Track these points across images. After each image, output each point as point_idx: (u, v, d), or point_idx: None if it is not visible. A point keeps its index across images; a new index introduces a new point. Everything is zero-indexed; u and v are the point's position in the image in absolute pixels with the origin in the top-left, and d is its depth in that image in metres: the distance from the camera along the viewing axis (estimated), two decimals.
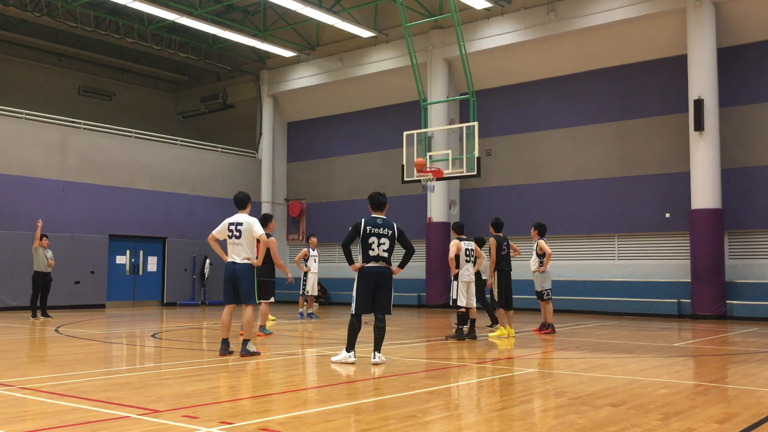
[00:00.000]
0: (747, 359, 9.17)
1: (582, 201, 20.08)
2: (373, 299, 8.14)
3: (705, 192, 17.17)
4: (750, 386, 6.94)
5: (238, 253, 8.83)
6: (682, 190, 18.05)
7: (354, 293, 8.16)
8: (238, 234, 8.84)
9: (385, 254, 8.15)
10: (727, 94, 17.74)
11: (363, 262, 8.14)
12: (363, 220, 8.19)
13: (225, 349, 8.97)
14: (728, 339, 12.20)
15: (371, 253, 8.10)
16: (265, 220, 11.84)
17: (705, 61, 17.35)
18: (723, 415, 5.41)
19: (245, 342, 8.88)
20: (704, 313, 16.99)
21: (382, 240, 8.12)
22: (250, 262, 8.85)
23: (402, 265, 8.28)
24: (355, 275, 8.19)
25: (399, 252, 8.35)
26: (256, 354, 8.89)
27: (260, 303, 11.87)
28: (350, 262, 8.18)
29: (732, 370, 8.30)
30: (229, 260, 8.91)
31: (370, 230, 8.12)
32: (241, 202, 9.09)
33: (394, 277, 8.28)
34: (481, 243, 13.50)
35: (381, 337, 8.25)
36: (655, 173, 18.99)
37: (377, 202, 8.36)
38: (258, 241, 8.91)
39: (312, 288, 16.48)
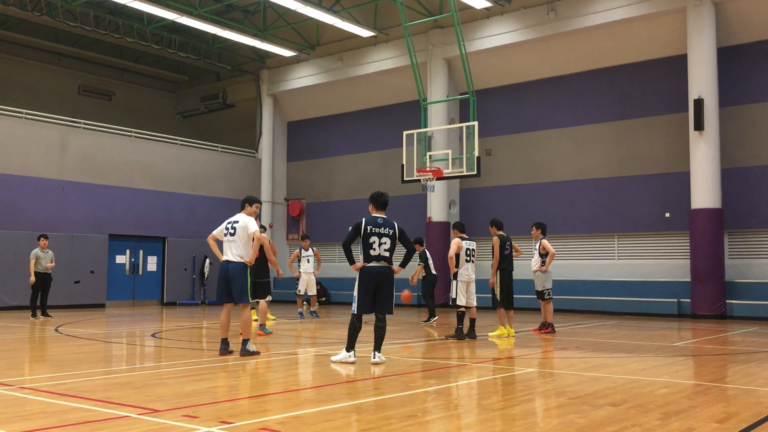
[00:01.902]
0: (747, 359, 9.17)
1: (582, 201, 20.08)
2: (375, 299, 8.13)
3: (705, 192, 17.17)
4: (750, 386, 6.94)
5: (232, 251, 8.83)
6: (682, 190, 18.05)
7: (355, 293, 8.14)
8: (233, 231, 8.86)
9: (387, 254, 8.13)
10: (727, 93, 17.73)
11: (364, 261, 8.11)
12: (364, 219, 8.17)
13: (225, 348, 8.98)
14: (728, 338, 12.20)
15: (372, 252, 8.08)
16: (247, 202, 9.42)
17: (705, 61, 17.34)
18: (723, 415, 5.41)
19: (245, 342, 8.88)
20: (704, 312, 16.99)
21: (384, 239, 8.11)
22: (243, 260, 8.84)
23: (403, 265, 8.26)
24: (356, 275, 8.18)
25: (399, 251, 8.33)
26: (255, 354, 8.89)
27: (257, 302, 11.91)
28: (351, 261, 8.18)
29: (732, 370, 8.30)
30: (223, 259, 8.93)
31: (371, 230, 8.10)
32: (242, 203, 9.20)
33: (395, 276, 8.27)
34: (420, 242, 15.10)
35: (381, 337, 8.24)
36: (655, 173, 18.99)
37: (381, 202, 8.35)
38: (251, 239, 8.91)
39: (307, 287, 16.39)
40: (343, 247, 8.22)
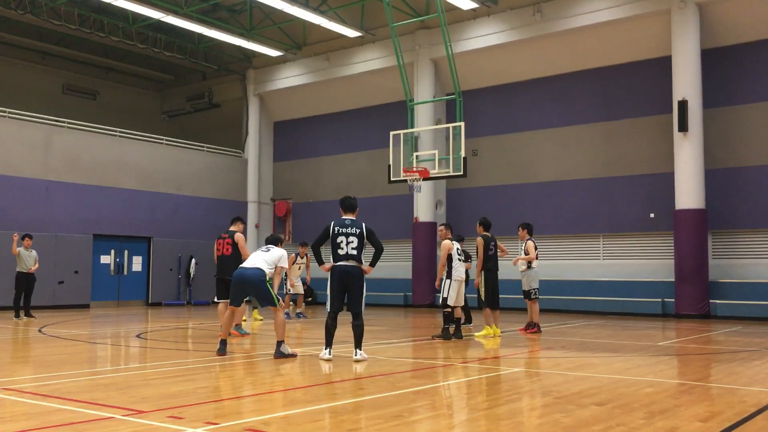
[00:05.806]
0: (730, 358, 9.25)
1: (567, 201, 20.17)
2: (346, 297, 8.45)
3: (689, 192, 17.31)
4: (733, 385, 7.00)
5: (255, 262, 8.89)
6: (667, 191, 18.17)
7: (328, 292, 8.48)
8: (267, 249, 9.11)
9: (354, 252, 8.40)
10: (711, 95, 17.88)
11: (333, 261, 8.44)
12: (333, 222, 8.53)
13: (222, 349, 9.01)
14: (711, 338, 12.30)
15: (340, 252, 8.40)
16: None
17: (689, 63, 17.48)
18: (706, 414, 5.46)
19: (279, 343, 8.86)
20: (688, 312, 17.12)
21: (351, 239, 8.42)
22: (262, 269, 8.84)
23: (372, 264, 8.60)
24: (328, 275, 8.48)
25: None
26: (291, 356, 8.81)
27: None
28: (320, 262, 8.58)
29: (715, 369, 8.37)
30: (240, 267, 9.03)
31: (339, 230, 8.45)
32: (273, 241, 9.58)
33: (367, 276, 8.54)
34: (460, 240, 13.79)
35: (360, 334, 8.49)
36: (640, 174, 19.11)
37: (347, 204, 8.75)
38: (276, 267, 8.95)
39: (292, 287, 16.67)
40: (312, 248, 8.57)
